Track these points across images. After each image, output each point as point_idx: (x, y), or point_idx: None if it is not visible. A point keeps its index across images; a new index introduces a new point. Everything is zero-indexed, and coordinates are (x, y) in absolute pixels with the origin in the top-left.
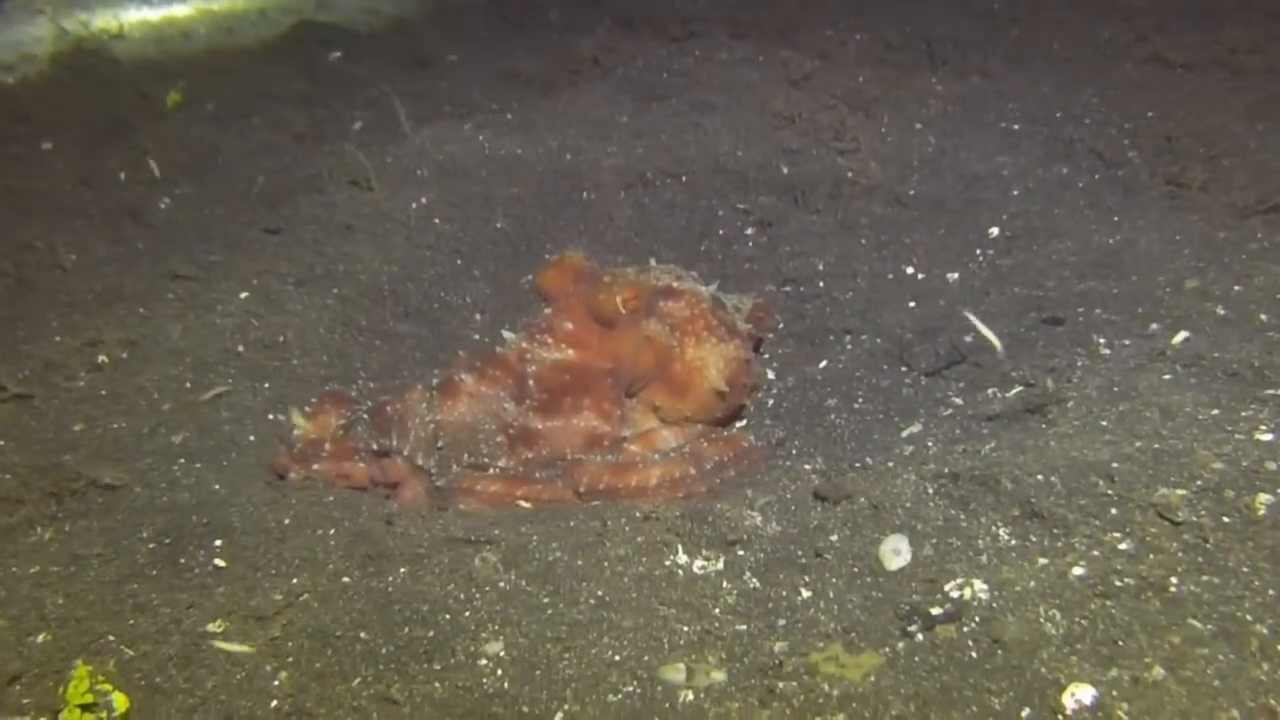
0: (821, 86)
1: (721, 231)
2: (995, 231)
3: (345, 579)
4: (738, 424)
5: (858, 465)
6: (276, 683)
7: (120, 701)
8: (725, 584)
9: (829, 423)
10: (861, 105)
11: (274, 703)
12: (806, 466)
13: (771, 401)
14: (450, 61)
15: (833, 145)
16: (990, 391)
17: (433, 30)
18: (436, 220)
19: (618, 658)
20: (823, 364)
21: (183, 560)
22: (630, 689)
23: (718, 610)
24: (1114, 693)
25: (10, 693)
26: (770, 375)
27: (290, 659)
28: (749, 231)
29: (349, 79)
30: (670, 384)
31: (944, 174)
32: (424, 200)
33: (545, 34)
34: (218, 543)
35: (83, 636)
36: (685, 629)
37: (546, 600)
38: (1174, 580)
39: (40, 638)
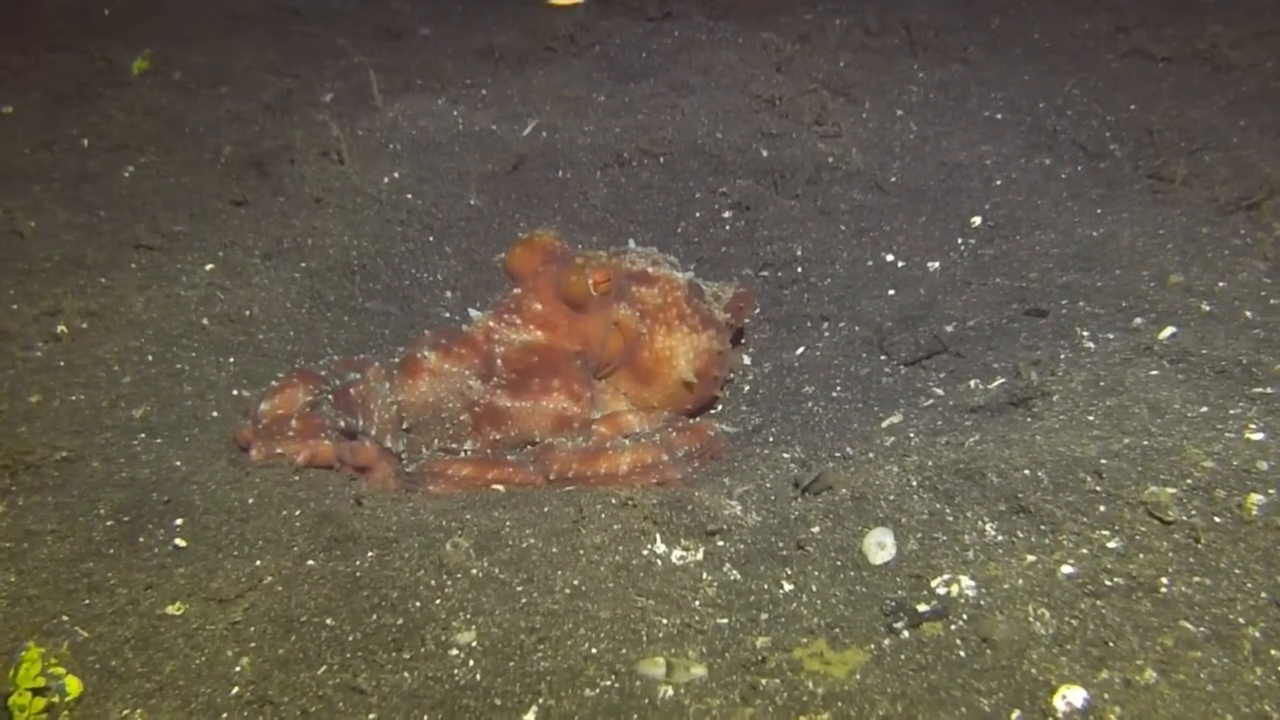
0: (802, 70)
1: (699, 214)
2: (977, 221)
3: (310, 562)
4: (712, 410)
5: (838, 455)
6: (238, 669)
7: (73, 685)
8: (705, 575)
9: (806, 410)
10: (842, 90)
11: (235, 689)
12: (785, 455)
13: (748, 387)
14: (423, 35)
15: (813, 129)
16: (972, 383)
17: (405, 3)
18: (409, 195)
19: (594, 650)
20: (800, 350)
21: (141, 539)
22: (607, 683)
23: (698, 603)
24: (1105, 695)
25: None
26: (746, 360)
27: (253, 644)
28: (726, 214)
29: (319, 50)
30: (637, 372)
31: (925, 161)
32: (395, 175)
33: (520, 9)
34: (178, 521)
35: (34, 616)
36: (664, 621)
37: (520, 589)
38: (1165, 581)
39: None
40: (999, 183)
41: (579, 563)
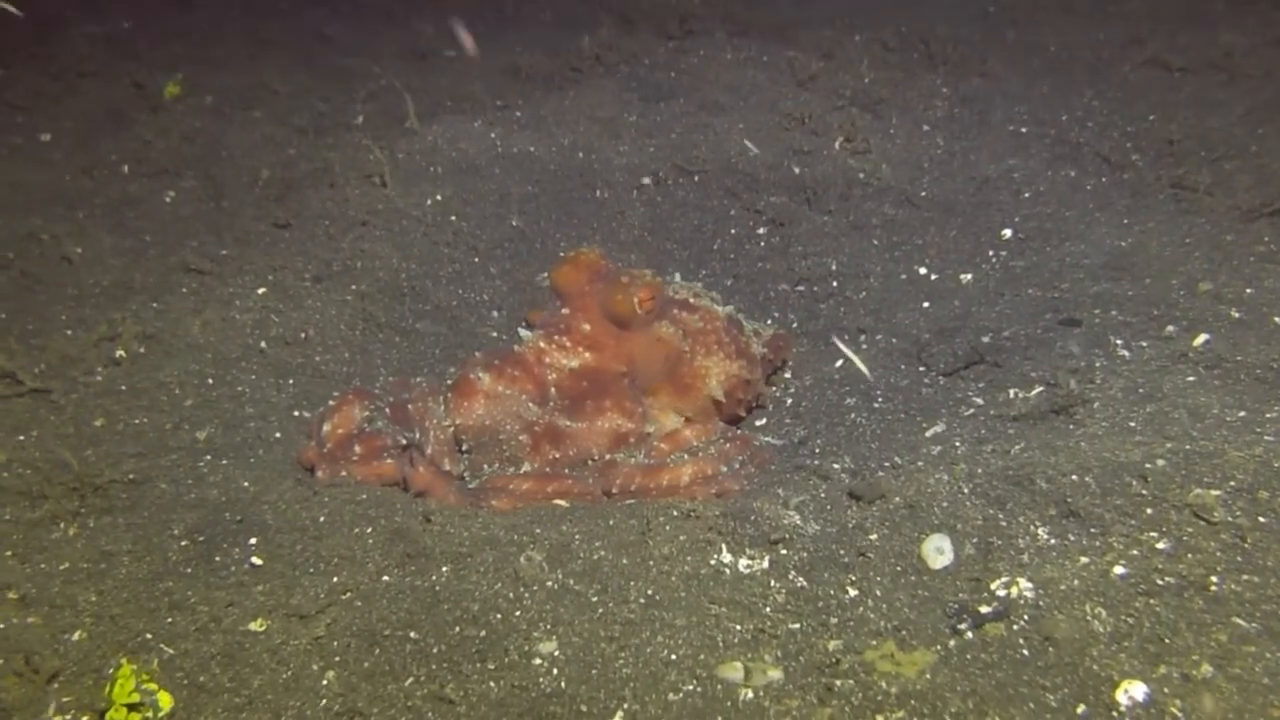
0: (828, 87)
1: (734, 231)
2: (1008, 233)
3: (386, 577)
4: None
5: (887, 465)
6: (325, 682)
7: (165, 700)
8: (773, 583)
9: (850, 422)
10: (869, 106)
11: (323, 702)
12: (835, 465)
13: (790, 400)
14: (448, 57)
15: (844, 146)
16: (1012, 392)
17: (428, 25)
18: (453, 217)
19: (674, 656)
20: (839, 363)
21: (217, 558)
22: (690, 688)
23: (768, 609)
24: (1165, 690)
25: (50, 691)
26: (787, 374)
27: (337, 658)
28: (761, 231)
29: (347, 73)
30: (676, 385)
31: (955, 175)
32: (439, 197)
33: (541, 30)
34: (252, 540)
35: (119, 634)
36: (738, 627)
37: (596, 599)
38: (1214, 579)
39: (76, 635)
40: (1027, 195)
41: (650, 573)
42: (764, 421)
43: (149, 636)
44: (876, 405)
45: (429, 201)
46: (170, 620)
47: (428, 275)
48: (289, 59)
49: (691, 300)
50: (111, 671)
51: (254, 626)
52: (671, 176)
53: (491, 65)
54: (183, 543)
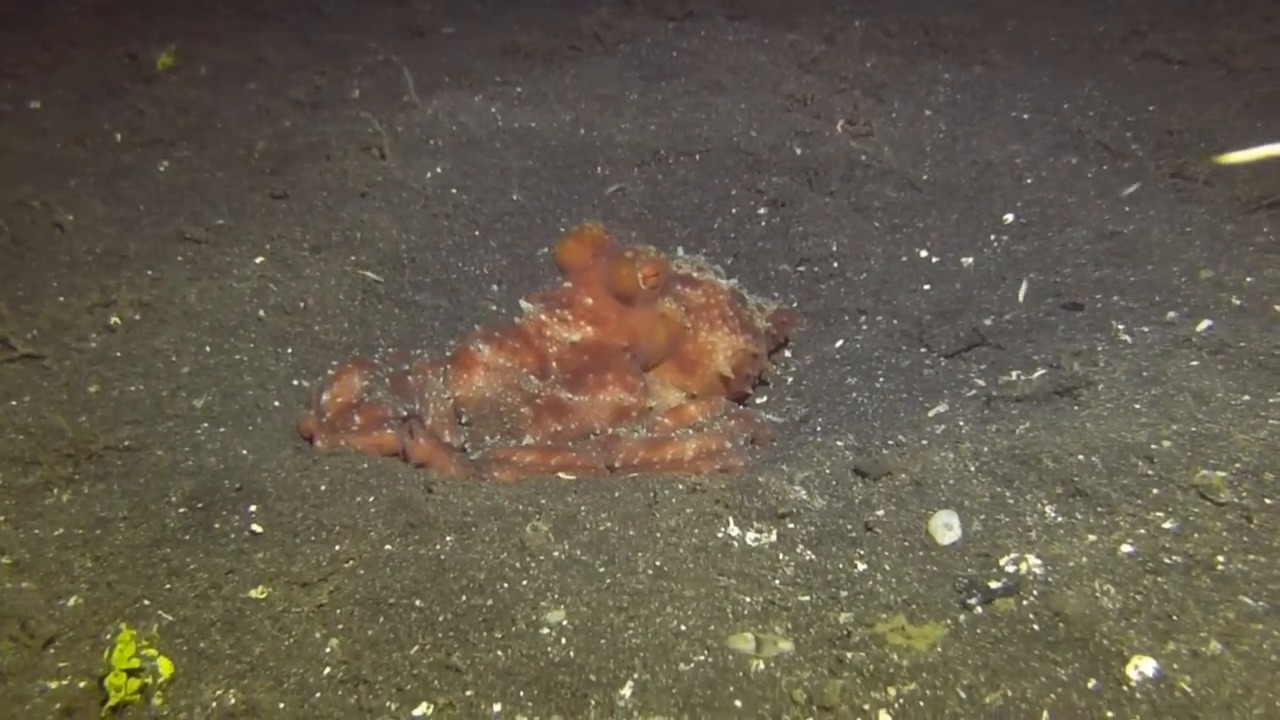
0: (830, 70)
1: (735, 210)
2: (1010, 218)
3: (389, 546)
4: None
5: (891, 443)
6: (328, 650)
7: (165, 666)
8: (781, 555)
9: (852, 401)
10: (871, 90)
11: (327, 670)
12: (839, 443)
13: (791, 379)
14: (446, 33)
15: (846, 129)
16: (1014, 374)
17: (425, 1)
18: (453, 190)
19: (683, 627)
20: (839, 343)
21: (217, 525)
22: (701, 658)
23: (778, 581)
24: (1175, 665)
25: (46, 655)
26: (787, 354)
27: (340, 626)
28: (762, 211)
29: (343, 47)
30: (680, 363)
31: (956, 160)
32: (439, 170)
33: (539, 8)
34: (252, 508)
35: (116, 600)
36: (748, 599)
37: (603, 570)
38: (1221, 559)
39: (71, 601)
40: (1029, 181)
41: (657, 545)
42: (765, 399)
43: (147, 603)
44: (878, 385)
45: (429, 174)
46: (169, 587)
47: (428, 247)
48: (283, 33)
49: (695, 275)
50: (110, 637)
51: (255, 594)
52: (672, 155)
53: (490, 43)
54: (180, 510)
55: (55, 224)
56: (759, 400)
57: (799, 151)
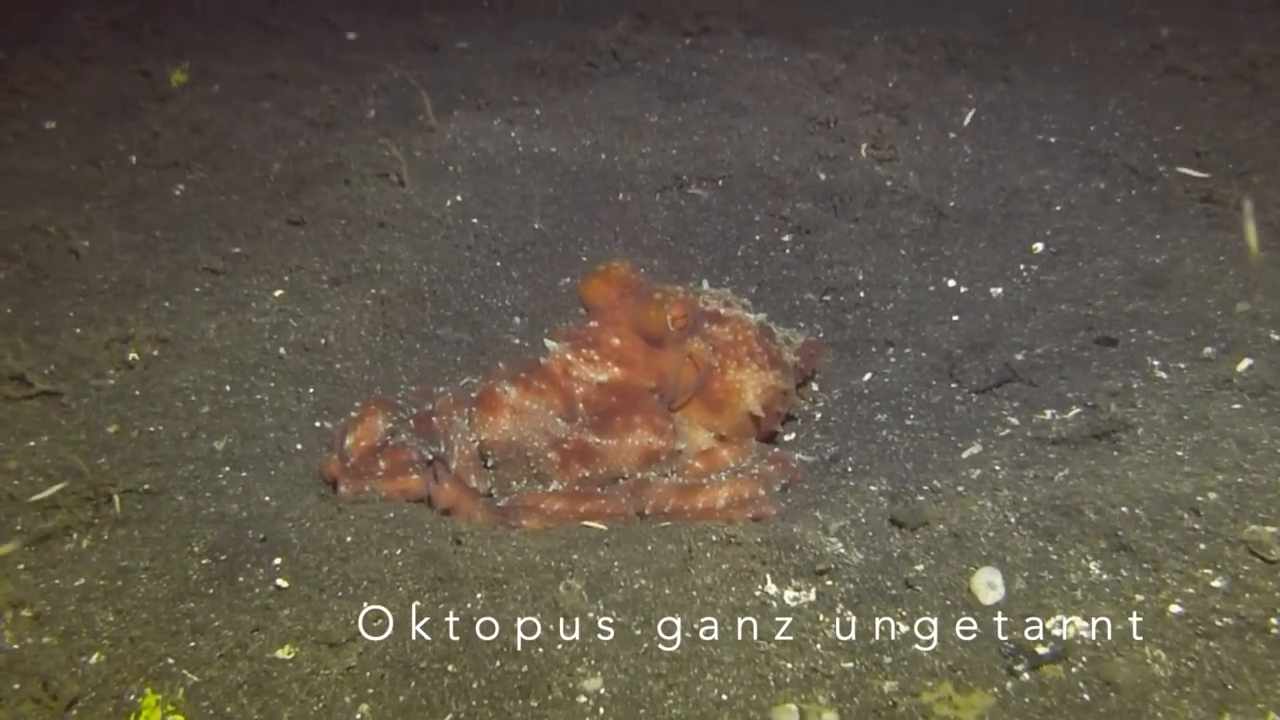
0: (853, 90)
1: (758, 237)
2: (1039, 247)
3: (417, 603)
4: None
5: (926, 488)
6: (358, 716)
7: None
8: (821, 617)
9: (882, 439)
10: (895, 111)
11: None
12: (872, 487)
13: (819, 415)
14: (459, 48)
15: (870, 153)
16: (1049, 413)
17: (437, 15)
18: (474, 219)
19: (724, 696)
20: (867, 376)
21: (241, 578)
22: None
23: (819, 646)
24: None
25: (69, 718)
26: (814, 387)
27: (371, 690)
28: (786, 238)
29: (357, 64)
30: (708, 402)
31: (983, 185)
32: (459, 198)
33: (552, 21)
34: (277, 560)
35: (140, 658)
36: (789, 666)
37: (639, 632)
38: (1275, 620)
39: (94, 658)
40: (1058, 208)
41: (694, 605)
42: (793, 436)
43: (171, 662)
44: (909, 422)
45: (448, 202)
46: (193, 644)
47: (449, 279)
48: (297, 48)
49: (722, 311)
50: (134, 698)
51: (282, 654)
52: (694, 181)
53: (504, 59)
54: (204, 560)
55: (71, 250)
56: (787, 437)
57: (823, 176)
